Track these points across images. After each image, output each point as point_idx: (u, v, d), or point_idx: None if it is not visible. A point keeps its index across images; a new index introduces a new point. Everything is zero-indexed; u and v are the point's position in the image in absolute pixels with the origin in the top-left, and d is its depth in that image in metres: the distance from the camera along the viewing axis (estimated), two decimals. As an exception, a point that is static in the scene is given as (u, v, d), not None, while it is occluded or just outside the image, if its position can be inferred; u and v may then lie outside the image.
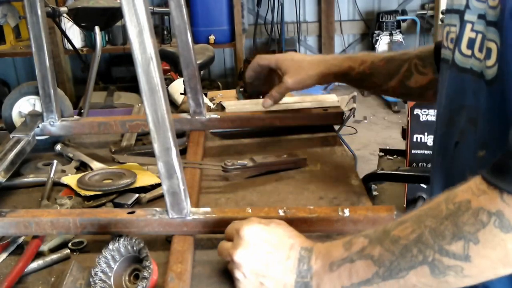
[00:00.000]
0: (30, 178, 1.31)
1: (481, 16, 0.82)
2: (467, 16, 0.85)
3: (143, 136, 1.53)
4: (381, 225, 0.76)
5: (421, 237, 0.68)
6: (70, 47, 3.07)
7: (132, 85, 3.97)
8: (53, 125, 1.45)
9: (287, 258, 0.79)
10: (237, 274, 0.82)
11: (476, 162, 0.83)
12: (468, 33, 0.85)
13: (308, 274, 0.77)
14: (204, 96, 1.51)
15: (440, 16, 4.13)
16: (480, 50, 0.82)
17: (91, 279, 0.88)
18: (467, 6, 0.86)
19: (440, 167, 0.98)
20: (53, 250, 1.02)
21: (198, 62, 1.48)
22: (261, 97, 1.93)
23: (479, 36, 0.83)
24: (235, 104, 1.63)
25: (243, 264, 0.81)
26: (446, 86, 0.94)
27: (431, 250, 0.67)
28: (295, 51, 4.87)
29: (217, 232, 0.98)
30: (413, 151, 2.71)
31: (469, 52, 0.85)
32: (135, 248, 0.89)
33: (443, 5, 4.17)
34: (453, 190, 0.70)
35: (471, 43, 0.85)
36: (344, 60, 1.33)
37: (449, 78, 0.93)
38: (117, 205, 1.17)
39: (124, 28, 0.94)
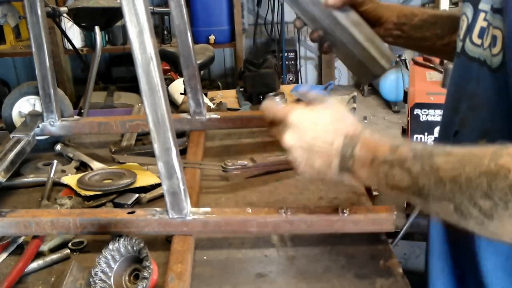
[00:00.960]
0: (30, 178, 1.31)
1: (491, 5, 0.81)
2: (481, 5, 0.84)
3: (143, 136, 1.53)
4: (435, 146, 0.75)
5: (457, 179, 0.69)
6: (70, 47, 3.07)
7: (132, 85, 3.96)
8: (53, 125, 1.45)
9: (331, 144, 0.82)
10: (289, 156, 0.86)
11: None
12: (480, 23, 0.84)
13: (350, 160, 0.80)
14: (204, 96, 1.51)
15: (440, 16, 4.12)
16: (487, 39, 0.82)
17: (91, 279, 0.88)
18: None
19: None
20: (53, 250, 1.02)
21: (198, 62, 1.48)
22: (261, 97, 1.93)
23: (489, 26, 0.82)
24: None
25: (292, 148, 0.84)
26: (454, 74, 0.94)
27: (462, 195, 0.69)
28: (295, 51, 4.87)
29: (217, 232, 0.99)
30: (413, 151, 2.70)
31: (479, 42, 0.85)
32: (135, 248, 0.89)
33: (443, 5, 4.16)
34: (502, 148, 0.68)
35: (481, 33, 0.84)
36: (403, 6, 1.23)
37: (457, 66, 0.93)
38: (117, 205, 1.17)
39: (124, 28, 0.94)
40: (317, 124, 0.83)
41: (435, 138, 1.06)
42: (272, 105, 0.89)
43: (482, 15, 0.84)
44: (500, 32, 0.76)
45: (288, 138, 0.84)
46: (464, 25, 0.90)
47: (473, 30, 0.86)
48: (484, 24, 0.83)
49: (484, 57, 0.82)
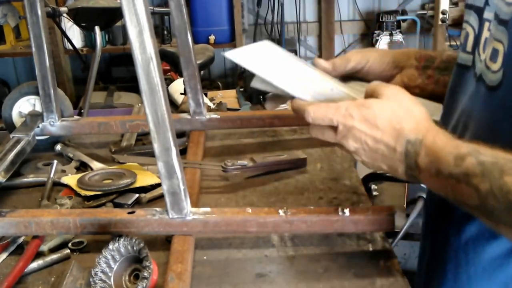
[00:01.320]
0: (30, 178, 1.31)
1: (496, 14, 0.73)
2: (486, 14, 0.77)
3: (143, 136, 1.53)
4: (505, 154, 0.66)
5: None
6: (70, 47, 3.07)
7: (132, 85, 3.96)
8: (53, 125, 1.45)
9: (394, 150, 0.75)
10: (356, 157, 0.80)
11: None
12: (485, 33, 0.77)
13: (416, 170, 0.74)
14: (204, 96, 1.51)
15: (440, 16, 4.12)
16: (484, 50, 0.75)
17: (91, 279, 0.88)
18: (486, 3, 0.77)
19: None
20: (53, 250, 1.02)
21: (198, 62, 1.48)
22: (261, 97, 1.93)
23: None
24: None
25: (355, 153, 0.78)
26: (459, 87, 0.84)
27: None
28: (295, 51, 4.87)
29: (217, 232, 0.99)
30: (413, 151, 2.70)
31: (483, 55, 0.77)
32: (135, 248, 0.89)
33: (443, 5, 4.16)
34: None
35: (485, 45, 0.76)
36: (415, 50, 1.07)
37: (463, 79, 0.83)
38: (117, 205, 1.17)
39: (124, 28, 0.94)
40: (378, 125, 0.75)
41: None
42: (322, 112, 0.78)
43: (486, 25, 0.77)
44: (502, 46, 0.69)
45: (350, 145, 0.77)
46: (471, 36, 0.82)
47: (480, 42, 0.79)
48: (487, 34, 0.76)
49: (481, 71, 0.75)
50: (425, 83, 0.99)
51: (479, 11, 0.79)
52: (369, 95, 0.80)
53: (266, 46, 0.76)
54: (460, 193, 0.69)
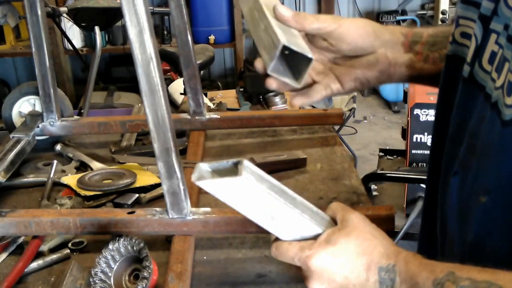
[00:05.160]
0: (30, 178, 1.31)
1: (507, 27, 0.66)
2: (493, 25, 0.69)
3: (143, 136, 1.53)
4: (479, 274, 0.64)
5: None
6: (70, 47, 3.07)
7: (132, 85, 3.96)
8: (53, 125, 1.45)
9: (366, 280, 0.71)
10: None
11: (476, 207, 0.71)
12: (491, 45, 0.69)
13: None
14: (204, 96, 1.51)
15: (440, 16, 4.13)
16: (497, 69, 0.67)
17: (91, 279, 0.88)
18: (494, 12, 0.69)
19: (430, 197, 0.87)
20: (53, 250, 1.02)
21: (198, 62, 1.48)
22: (261, 97, 1.93)
23: (500, 51, 0.67)
24: None
25: None
26: (460, 101, 0.77)
27: None
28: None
29: (217, 232, 0.99)
30: (413, 151, 2.71)
31: (489, 68, 0.70)
32: (135, 248, 0.89)
33: (443, 5, 4.16)
34: None
35: (492, 58, 0.69)
36: (402, 26, 0.97)
37: (463, 93, 0.76)
38: (117, 205, 1.17)
39: (124, 28, 0.94)
40: (344, 263, 0.71)
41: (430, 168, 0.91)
42: (283, 251, 0.74)
43: (493, 37, 0.69)
44: None
45: (315, 286, 0.72)
46: (472, 46, 0.74)
47: (484, 53, 0.71)
48: (495, 48, 0.69)
49: (496, 98, 0.67)
50: (412, 61, 0.88)
51: (485, 20, 0.71)
52: (335, 221, 0.77)
53: (240, 182, 0.69)
54: None
